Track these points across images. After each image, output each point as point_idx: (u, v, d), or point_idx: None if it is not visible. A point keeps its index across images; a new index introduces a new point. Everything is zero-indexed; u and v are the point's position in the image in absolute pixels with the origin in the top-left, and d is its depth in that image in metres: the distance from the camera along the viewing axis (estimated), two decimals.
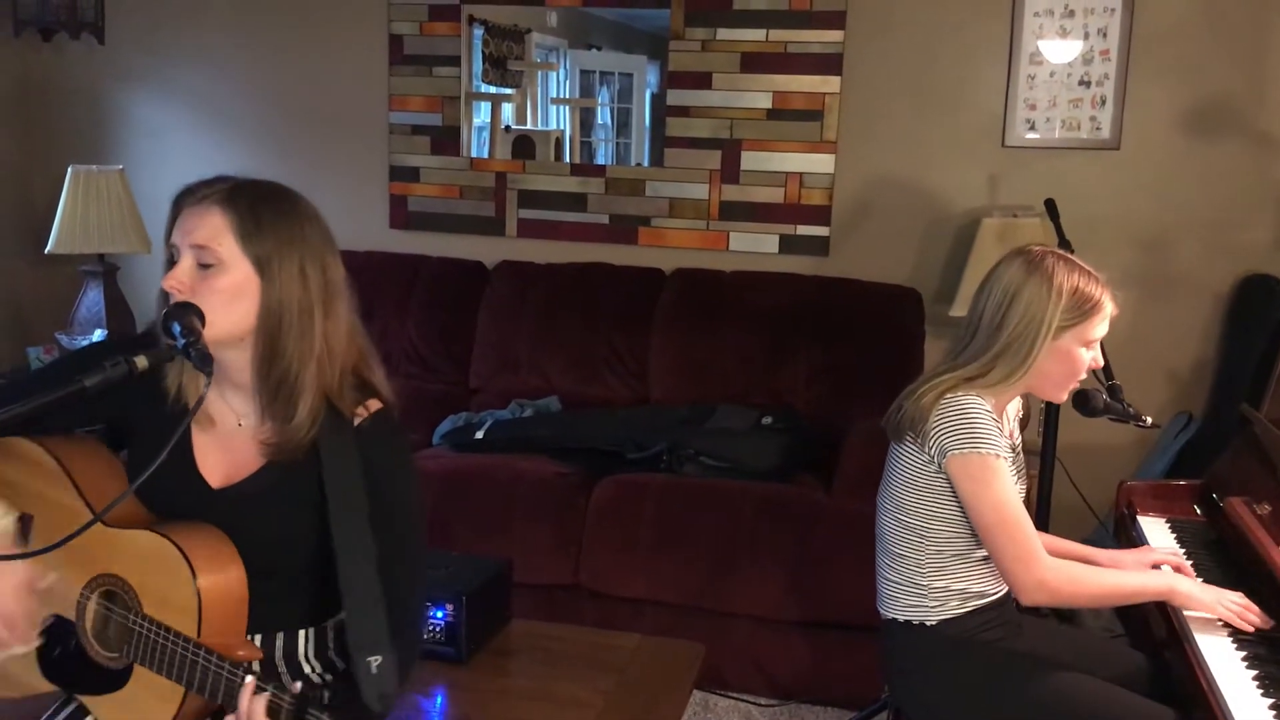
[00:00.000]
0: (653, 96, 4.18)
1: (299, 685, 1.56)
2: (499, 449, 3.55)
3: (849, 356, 3.78)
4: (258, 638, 1.69)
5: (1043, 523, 2.99)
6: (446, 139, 4.35)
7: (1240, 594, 2.08)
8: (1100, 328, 2.09)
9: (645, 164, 4.19)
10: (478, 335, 4.11)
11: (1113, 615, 3.38)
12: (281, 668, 1.71)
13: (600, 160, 4.27)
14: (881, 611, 2.19)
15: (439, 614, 2.34)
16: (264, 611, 1.65)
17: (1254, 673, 1.91)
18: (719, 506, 3.24)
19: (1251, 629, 2.01)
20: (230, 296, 1.58)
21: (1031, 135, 3.85)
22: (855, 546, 2.80)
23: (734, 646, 3.22)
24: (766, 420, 3.61)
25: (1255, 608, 2.05)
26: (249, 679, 1.49)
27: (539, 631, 2.50)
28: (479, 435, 3.60)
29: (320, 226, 1.68)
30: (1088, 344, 2.09)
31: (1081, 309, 2.05)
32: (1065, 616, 3.30)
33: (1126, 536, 2.64)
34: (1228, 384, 3.62)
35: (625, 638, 2.48)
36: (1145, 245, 3.82)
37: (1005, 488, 2.02)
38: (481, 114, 4.35)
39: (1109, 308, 2.09)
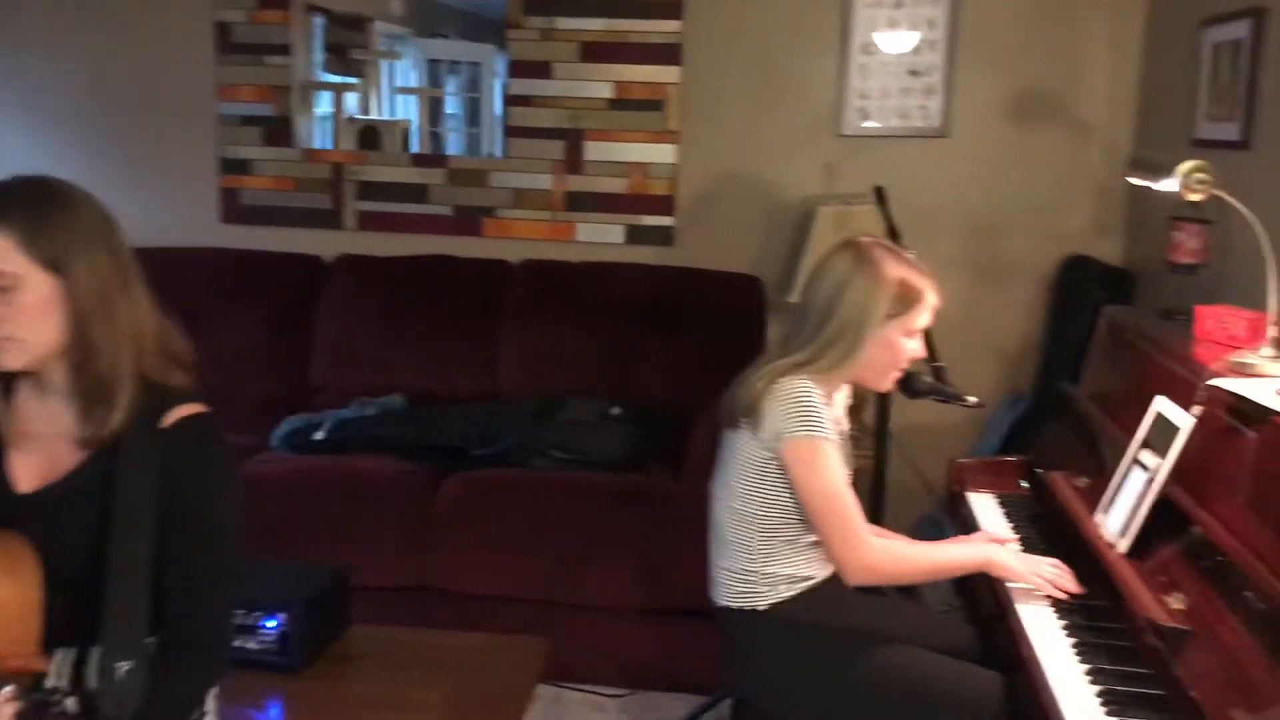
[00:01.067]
0: (504, 86, 4.12)
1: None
2: (341, 449, 3.45)
3: (695, 345, 3.81)
4: (71, 652, 1.61)
5: (879, 503, 3.06)
6: (279, 130, 4.21)
7: (1056, 561, 2.16)
8: (923, 317, 2.15)
9: (498, 154, 4.13)
10: (317, 332, 3.99)
11: (950, 589, 3.49)
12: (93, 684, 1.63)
13: (451, 150, 4.20)
14: (714, 599, 2.21)
15: (271, 624, 2.27)
16: (75, 625, 1.57)
17: (1072, 640, 1.99)
18: (569, 499, 3.23)
19: (1064, 595, 2.08)
20: (39, 311, 1.55)
21: (865, 124, 3.94)
22: (705, 533, 2.81)
23: (587, 639, 3.21)
24: (615, 411, 3.61)
25: (1069, 574, 2.12)
26: (7, 688, 1.42)
27: (380, 636, 2.44)
28: (319, 436, 3.50)
29: (96, 207, 1.62)
30: (910, 334, 2.14)
31: (906, 300, 2.11)
32: (904, 591, 3.37)
33: (957, 513, 2.73)
34: (1053, 362, 3.78)
35: (469, 638, 2.45)
36: (974, 230, 3.95)
37: (835, 471, 2.06)
38: (324, 104, 4.23)
39: (931, 299, 2.15)
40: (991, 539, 2.32)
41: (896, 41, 3.87)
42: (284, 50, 4.16)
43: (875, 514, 3.02)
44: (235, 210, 4.26)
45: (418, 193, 4.19)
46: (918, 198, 3.83)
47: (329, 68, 4.19)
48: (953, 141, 3.92)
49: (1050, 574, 2.11)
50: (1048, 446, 2.76)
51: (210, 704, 1.79)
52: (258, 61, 4.18)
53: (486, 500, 3.23)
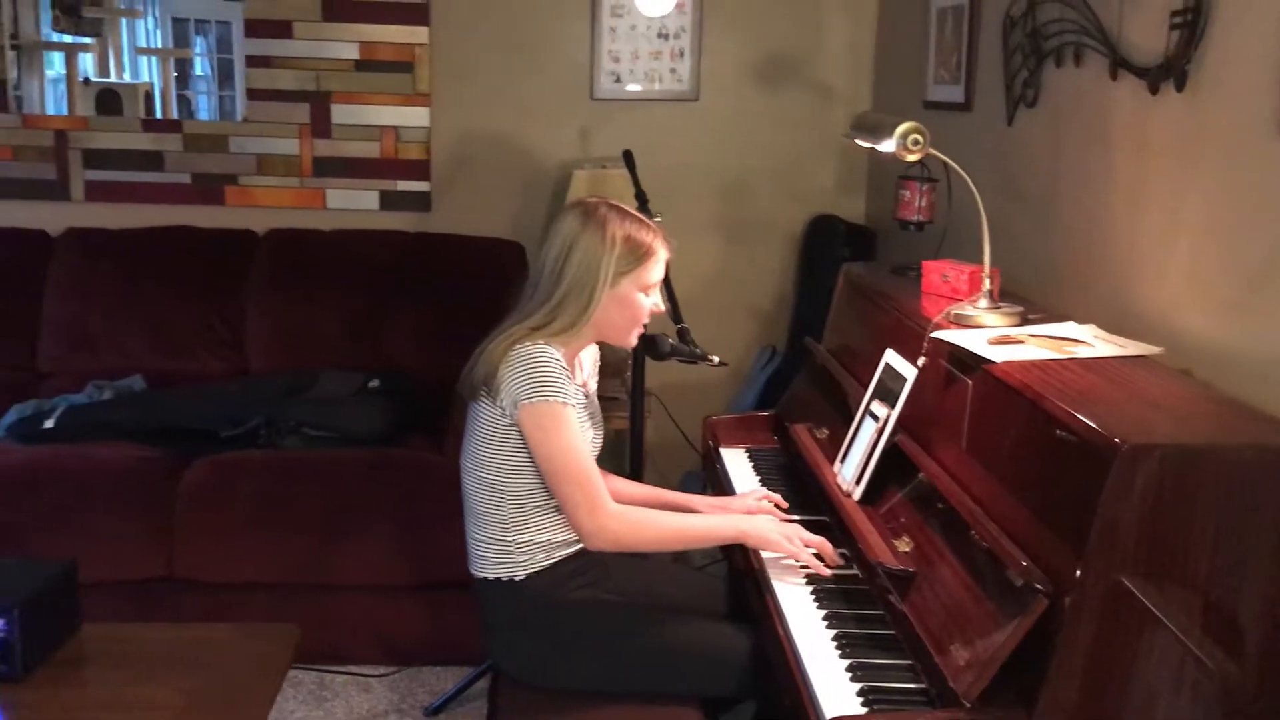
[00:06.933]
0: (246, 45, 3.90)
1: None
2: (73, 437, 3.22)
3: (455, 312, 3.73)
4: None
5: (638, 463, 3.09)
6: None
7: (822, 539, 2.13)
8: (655, 272, 2.17)
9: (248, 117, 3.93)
10: (45, 313, 3.70)
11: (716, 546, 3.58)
12: None
13: (203, 115, 3.96)
14: (472, 572, 2.18)
15: None
16: None
17: (811, 588, 2.07)
18: (323, 477, 3.12)
19: (826, 572, 2.07)
20: None
21: (617, 87, 3.95)
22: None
23: (350, 619, 3.13)
24: (373, 384, 3.51)
25: (829, 551, 2.11)
26: None
27: (114, 635, 2.28)
28: (49, 424, 3.25)
29: None
30: (645, 289, 2.16)
31: (635, 255, 2.12)
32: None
33: (712, 468, 2.79)
34: (804, 318, 3.91)
35: (212, 629, 2.33)
36: (726, 191, 4.04)
37: (572, 436, 2.05)
38: (56, 66, 3.89)
39: (662, 253, 2.17)
40: (747, 509, 2.32)
41: (647, 4, 3.88)
42: None
43: (636, 472, 3.05)
44: None
45: (152, 160, 3.93)
46: (670, 160, 3.88)
47: (59, 26, 3.87)
48: (703, 104, 3.98)
49: (807, 554, 2.09)
50: (793, 400, 2.85)
51: None
52: None
53: (234, 484, 3.08)
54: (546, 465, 2.05)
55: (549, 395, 2.02)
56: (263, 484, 3.09)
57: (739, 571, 2.35)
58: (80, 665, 2.19)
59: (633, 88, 3.95)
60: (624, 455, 3.20)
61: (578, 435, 2.06)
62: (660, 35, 3.91)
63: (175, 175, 3.94)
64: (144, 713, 2.00)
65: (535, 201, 4.01)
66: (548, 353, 2.05)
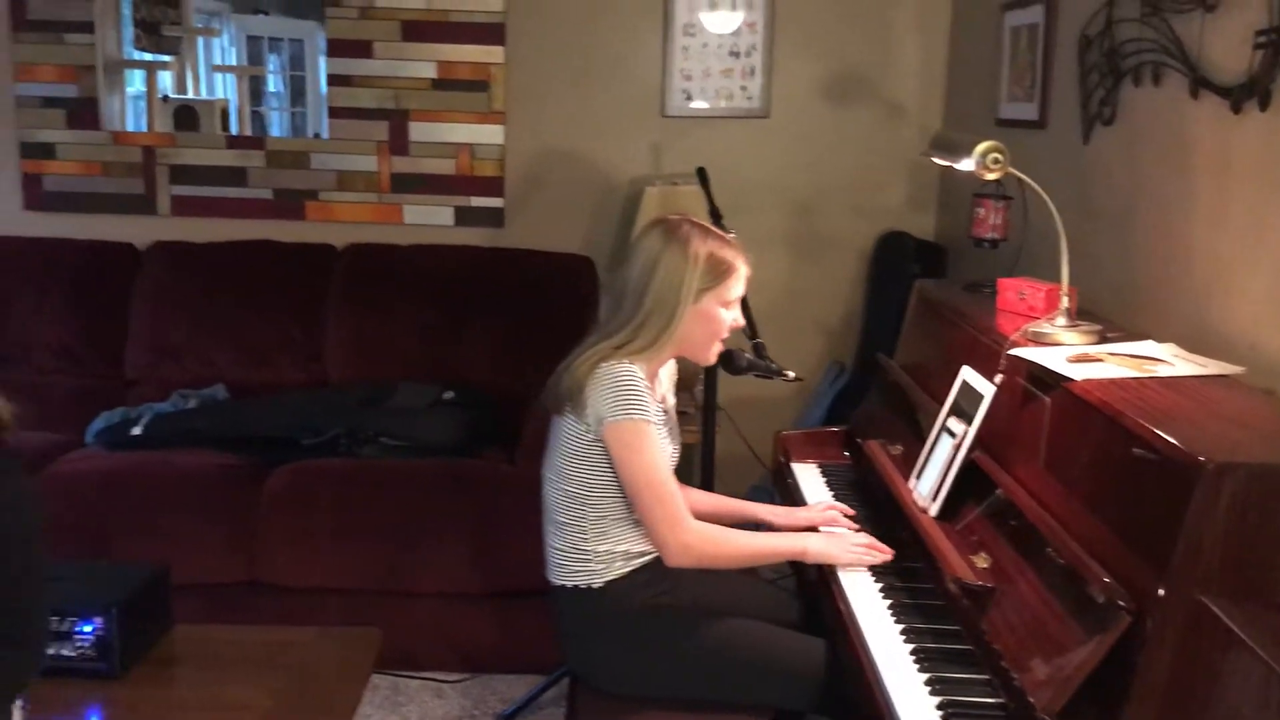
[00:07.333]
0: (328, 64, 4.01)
1: None
2: (159, 444, 3.33)
3: (528, 326, 3.80)
4: None
5: (710, 476, 3.12)
6: (84, 111, 4.01)
7: (864, 535, 2.26)
8: (737, 288, 2.21)
9: (323, 134, 4.03)
10: (131, 323, 3.82)
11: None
12: None
13: (275, 131, 4.07)
14: (550, 579, 2.23)
15: (87, 629, 2.18)
16: None
17: (889, 602, 2.08)
18: (400, 486, 3.19)
19: (877, 561, 2.19)
20: None
21: (688, 105, 3.99)
22: (540, 514, 2.81)
23: (423, 626, 3.19)
24: (448, 395, 3.58)
25: (880, 545, 2.22)
26: None
27: (204, 636, 2.37)
28: (136, 431, 3.36)
29: None
30: (727, 304, 2.20)
31: (718, 271, 2.16)
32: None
33: (783, 483, 2.81)
34: (873, 334, 3.92)
35: (298, 632, 2.40)
36: (796, 208, 4.06)
37: (655, 453, 2.09)
38: (135, 83, 4.03)
39: (743, 269, 2.21)
40: (813, 519, 2.39)
41: (718, 22, 3.93)
42: (87, 28, 3.96)
43: (707, 486, 3.08)
44: (38, 197, 4.04)
45: (236, 176, 4.05)
46: (741, 176, 3.91)
47: (140, 45, 4.00)
48: (773, 122, 4.01)
49: (860, 549, 2.20)
50: (865, 416, 2.86)
51: (17, 716, 1.72)
52: (58, 40, 3.97)
53: (314, 491, 3.16)
54: (630, 482, 2.10)
55: (633, 413, 2.07)
56: (342, 492, 3.17)
57: (810, 584, 2.37)
58: (173, 665, 2.27)
59: (704, 105, 4.00)
60: (694, 469, 3.24)
61: (660, 453, 2.11)
62: (731, 53, 3.95)
63: (257, 190, 4.06)
64: (235, 712, 2.06)
65: (606, 218, 4.06)
66: (631, 371, 2.10)
